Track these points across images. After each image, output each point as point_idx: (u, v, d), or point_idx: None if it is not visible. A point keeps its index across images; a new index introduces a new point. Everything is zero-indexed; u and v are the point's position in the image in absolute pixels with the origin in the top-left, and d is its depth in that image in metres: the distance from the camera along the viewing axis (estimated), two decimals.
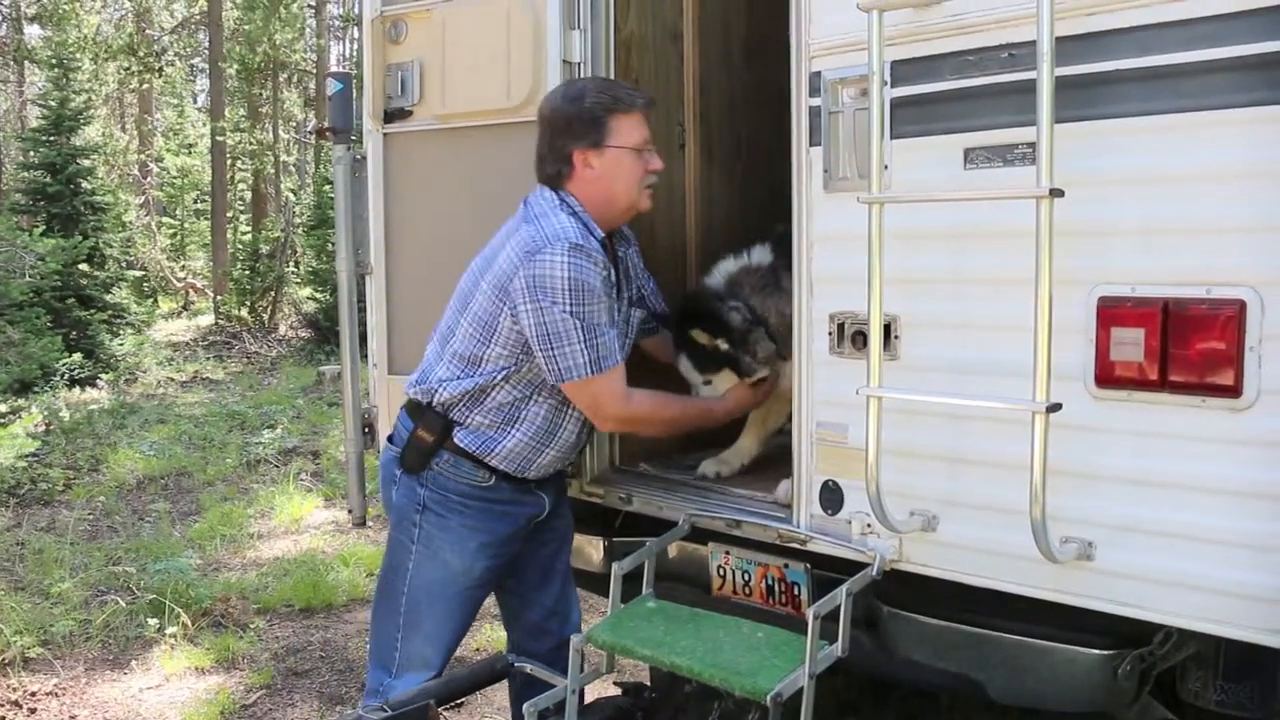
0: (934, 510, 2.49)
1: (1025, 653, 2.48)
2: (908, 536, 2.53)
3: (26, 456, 6.65)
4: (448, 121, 3.29)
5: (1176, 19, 2.08)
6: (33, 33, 22.44)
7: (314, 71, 25.49)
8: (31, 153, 14.79)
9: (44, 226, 11.95)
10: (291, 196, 22.93)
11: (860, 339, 2.56)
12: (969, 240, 2.38)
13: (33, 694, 4.40)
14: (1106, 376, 2.20)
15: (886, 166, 2.38)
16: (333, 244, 14.43)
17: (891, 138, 2.42)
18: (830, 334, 2.62)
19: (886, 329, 2.42)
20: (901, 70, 2.43)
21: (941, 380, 2.43)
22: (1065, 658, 2.44)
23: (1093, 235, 2.19)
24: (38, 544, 6.23)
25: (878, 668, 2.87)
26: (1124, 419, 2.19)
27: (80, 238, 12.54)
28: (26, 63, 21.73)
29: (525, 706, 2.69)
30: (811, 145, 2.62)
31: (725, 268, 3.06)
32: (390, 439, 2.94)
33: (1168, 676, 2.53)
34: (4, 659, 4.57)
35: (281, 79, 24.68)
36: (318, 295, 16.06)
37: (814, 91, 2.61)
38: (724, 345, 2.94)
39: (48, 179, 13.83)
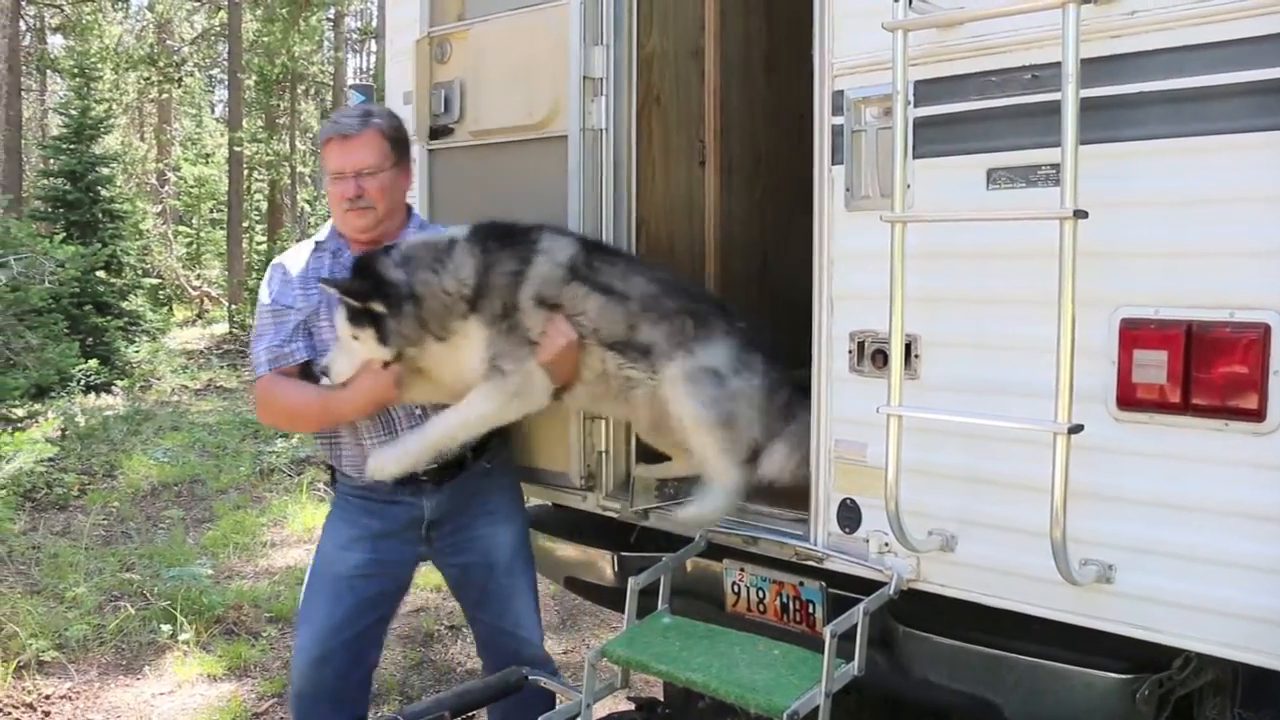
0: (952, 530, 2.48)
1: (1042, 675, 2.47)
2: (925, 556, 2.52)
3: (44, 461, 6.69)
4: (482, 138, 3.32)
5: (1203, 42, 2.07)
6: (55, 42, 22.65)
7: (331, 84, 25.64)
8: (52, 160, 14.91)
9: (64, 234, 12.02)
10: (307, 207, 23.04)
11: (880, 357, 2.56)
12: (990, 260, 2.38)
13: (47, 697, 4.42)
14: (1128, 398, 2.19)
15: (909, 186, 2.39)
16: None
17: (914, 157, 2.43)
18: (850, 352, 2.62)
19: (907, 348, 2.42)
20: (924, 90, 2.44)
21: (961, 400, 2.42)
22: (1083, 681, 2.42)
23: (1116, 257, 2.19)
24: (53, 548, 6.25)
25: (892, 687, 2.86)
26: (1146, 441, 2.18)
27: (99, 245, 12.63)
28: (49, 72, 21.91)
29: None
30: (833, 163, 2.62)
31: (413, 238, 2.96)
32: None
33: (1185, 702, 2.51)
34: (20, 662, 4.59)
35: (299, 90, 24.83)
36: None
37: (836, 110, 2.61)
38: (377, 306, 2.74)
39: (68, 187, 13.95)
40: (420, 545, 3.06)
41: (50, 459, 7.58)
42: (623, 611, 3.02)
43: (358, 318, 2.72)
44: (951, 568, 2.50)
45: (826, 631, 2.47)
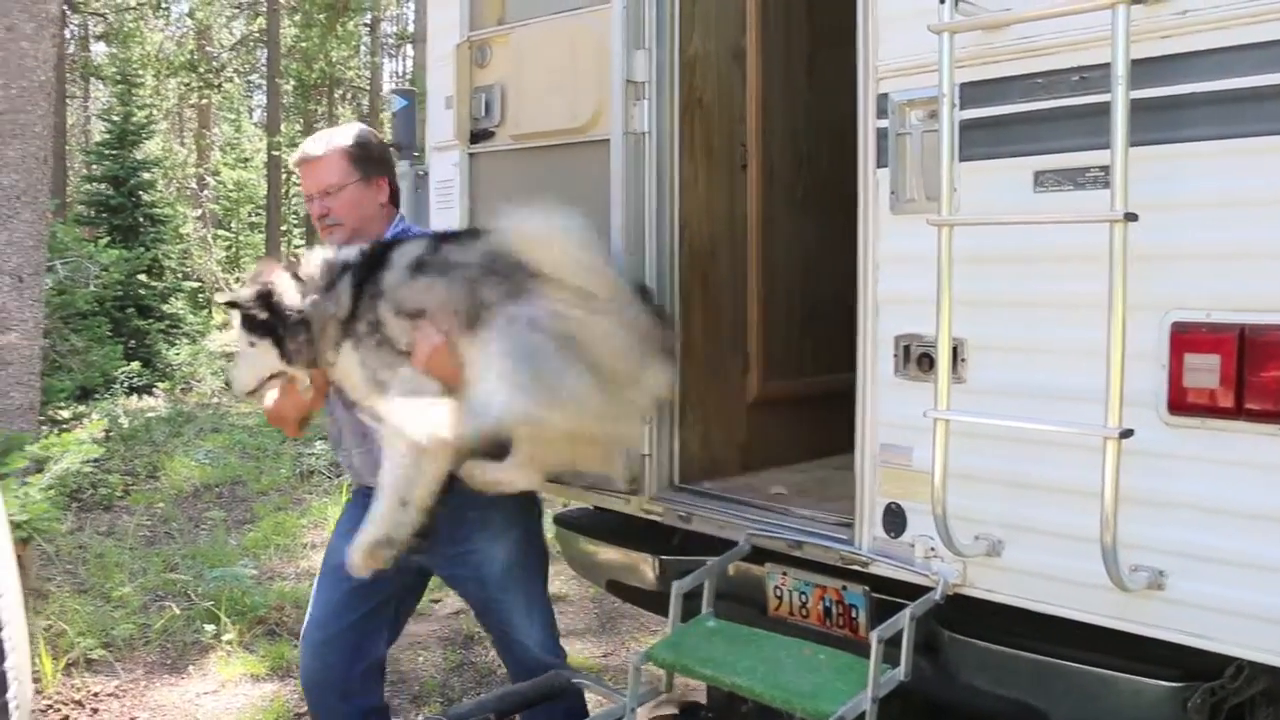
0: (999, 535, 2.47)
1: (1091, 682, 2.45)
2: (972, 561, 2.50)
3: (89, 462, 6.78)
4: (523, 142, 3.33)
5: (1255, 41, 2.05)
6: (98, 50, 22.97)
7: (368, 88, 25.84)
8: (95, 166, 15.12)
9: (107, 238, 12.19)
10: None
11: (926, 361, 2.54)
12: (1038, 264, 2.36)
13: (95, 694, 4.48)
14: (1179, 403, 2.17)
15: (955, 189, 2.37)
16: None
17: (959, 160, 2.41)
18: (895, 356, 2.61)
19: (953, 352, 2.40)
20: (970, 92, 2.42)
21: (1008, 404, 2.41)
22: (1132, 689, 2.40)
23: (1166, 260, 2.17)
24: (99, 548, 6.34)
25: (937, 693, 2.84)
26: (1197, 446, 2.15)
27: (141, 249, 12.80)
28: (92, 79, 22.22)
29: None
30: (878, 167, 2.61)
31: (322, 254, 2.95)
32: None
33: (1237, 712, 2.48)
34: (69, 660, 4.66)
35: (337, 95, 25.03)
36: None
37: (881, 113, 2.60)
38: (263, 317, 2.82)
39: (110, 191, 14.14)
40: (415, 552, 3.02)
41: (95, 460, 7.68)
42: (664, 615, 3.02)
43: (250, 327, 2.84)
44: (998, 573, 2.48)
45: (873, 636, 2.46)
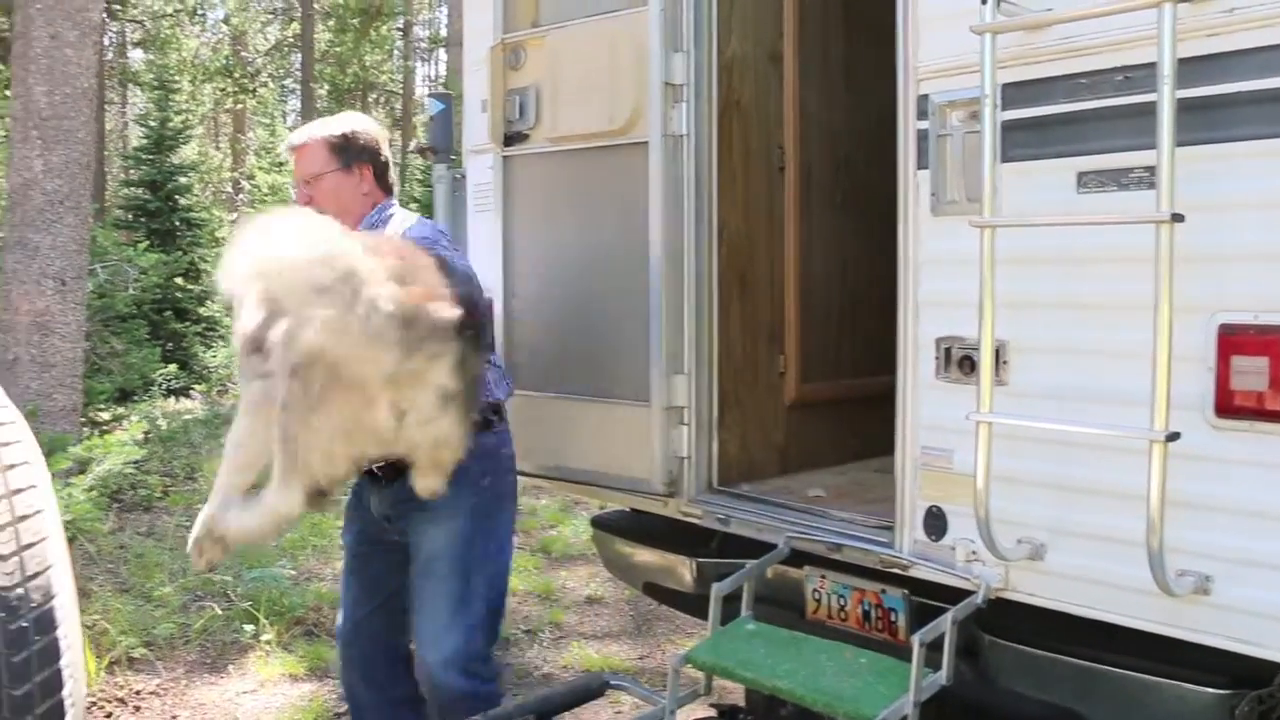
0: (1041, 539, 2.45)
1: (1135, 688, 2.42)
2: (1014, 565, 2.48)
3: (129, 463, 6.87)
4: (560, 144, 3.34)
5: None
6: (136, 56, 23.25)
7: (401, 92, 26.00)
8: (133, 171, 15.30)
9: (145, 242, 12.34)
10: None
11: (967, 364, 2.53)
12: (1081, 265, 2.35)
13: (137, 693, 4.53)
14: (1226, 406, 2.14)
15: (996, 190, 2.36)
16: None
17: (1001, 161, 2.40)
18: (936, 358, 2.59)
19: (995, 354, 2.39)
20: (1011, 93, 2.40)
21: (1050, 407, 2.39)
22: (1177, 695, 2.37)
23: (1213, 261, 2.15)
24: (139, 548, 6.40)
25: (977, 697, 2.82)
26: (1245, 449, 2.13)
27: (179, 253, 12.94)
28: (130, 85, 22.49)
29: None
30: (919, 168, 2.60)
31: None
32: None
33: None
34: (112, 658, 4.71)
35: (370, 99, 25.20)
36: None
37: (921, 114, 2.59)
38: None
39: (148, 196, 14.29)
40: (389, 534, 3.11)
41: (135, 461, 7.78)
42: (701, 618, 3.02)
43: None
44: (1041, 577, 2.46)
45: (915, 640, 2.45)
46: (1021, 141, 2.41)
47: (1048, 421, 2.34)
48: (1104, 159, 2.29)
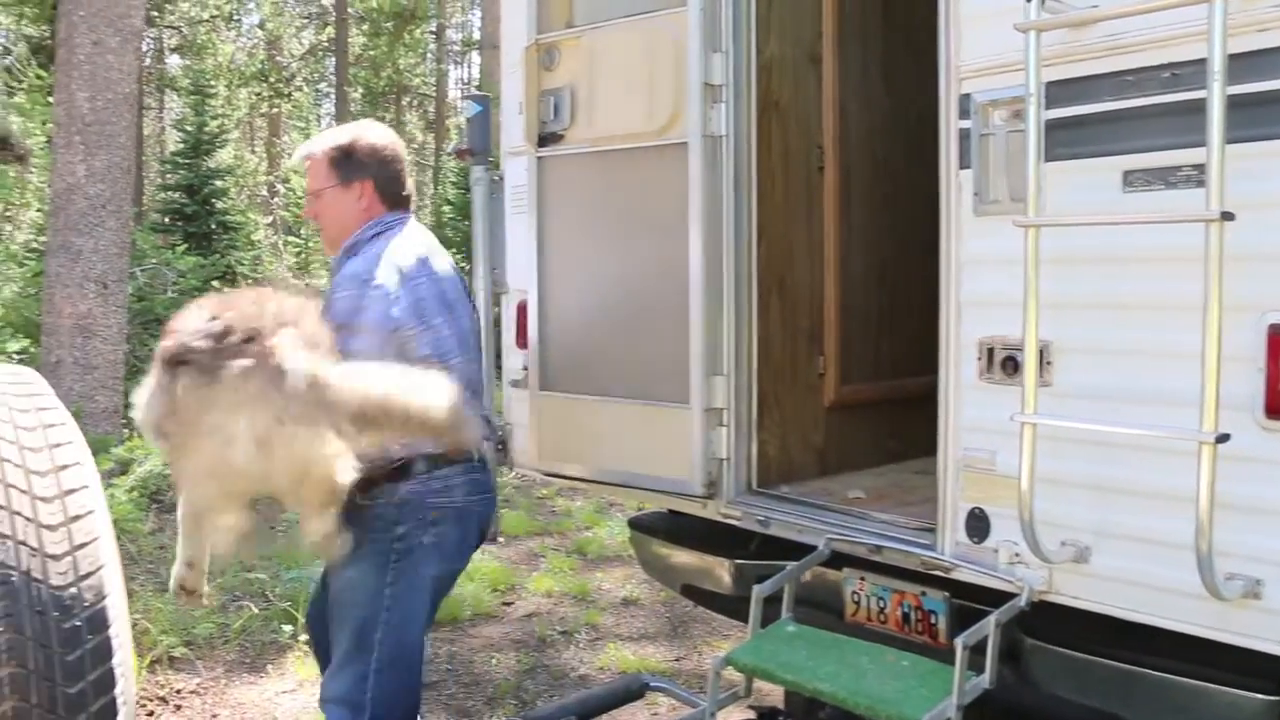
0: (1086, 541, 2.42)
1: (1181, 693, 2.39)
2: (1058, 567, 2.46)
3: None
4: (596, 145, 3.34)
5: None
6: (173, 62, 23.51)
7: (434, 94, 26.13)
8: (170, 175, 15.48)
9: (183, 245, 12.48)
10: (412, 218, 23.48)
11: (1010, 364, 2.51)
12: (1127, 265, 2.32)
13: (178, 691, 4.58)
14: (1277, 407, 2.12)
15: (1040, 190, 2.34)
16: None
17: (1044, 160, 2.38)
18: (979, 359, 2.58)
19: (1039, 355, 2.37)
20: (1055, 91, 2.38)
21: (1095, 408, 2.37)
22: (1225, 700, 2.34)
23: (1264, 260, 2.11)
24: (177, 549, 6.46)
25: (1019, 701, 2.80)
26: None
27: (216, 256, 13.08)
28: (167, 90, 22.74)
29: None
30: (961, 168, 2.58)
31: None
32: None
33: None
34: (153, 657, 4.76)
35: (404, 102, 25.34)
36: None
37: (964, 114, 2.58)
38: None
39: (185, 200, 14.46)
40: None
41: None
42: (739, 620, 3.01)
43: None
44: (1085, 580, 2.44)
45: (958, 643, 2.43)
46: (1065, 140, 2.39)
47: (1093, 423, 2.32)
48: (1151, 157, 2.27)
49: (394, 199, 2.97)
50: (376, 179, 2.94)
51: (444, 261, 2.99)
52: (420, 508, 2.76)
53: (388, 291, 2.72)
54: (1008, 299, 2.39)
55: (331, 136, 3.03)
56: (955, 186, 2.60)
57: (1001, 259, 2.45)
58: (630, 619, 5.44)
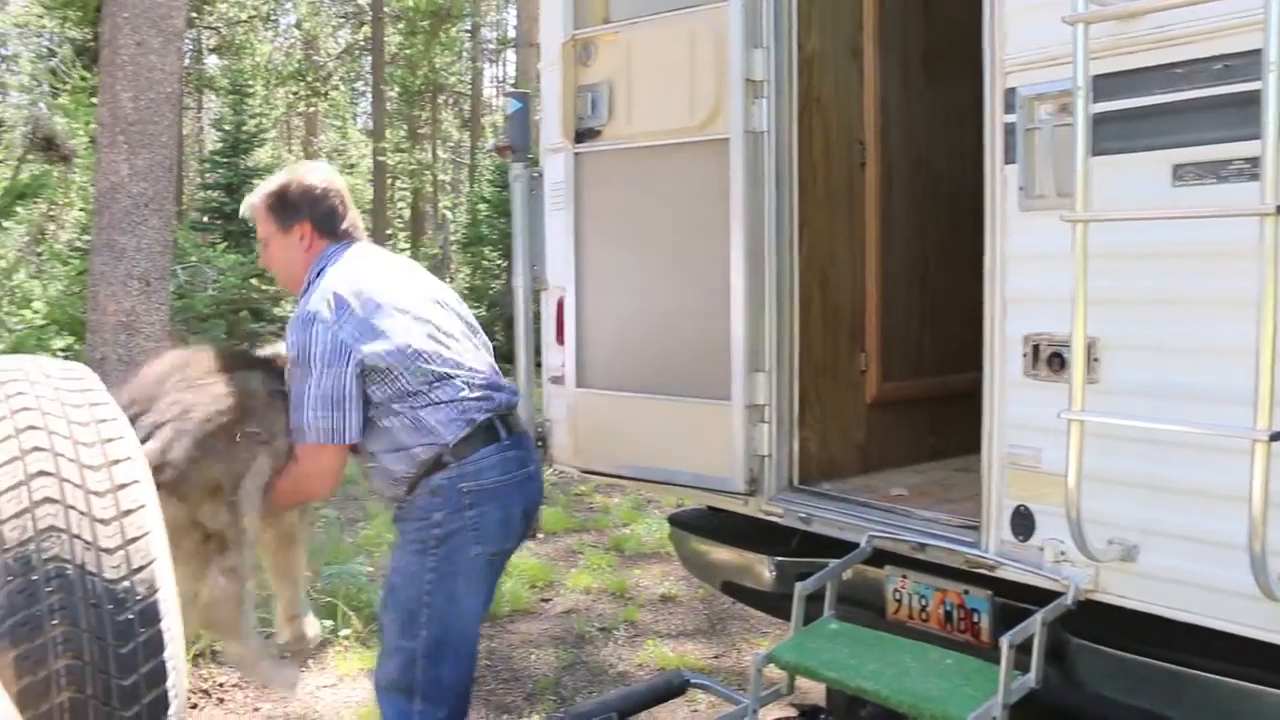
0: (1133, 539, 2.39)
1: (1232, 695, 2.35)
2: (1105, 566, 2.43)
3: None
4: (634, 140, 3.34)
5: None
6: (211, 62, 23.74)
7: (469, 93, 26.23)
8: (209, 174, 15.65)
9: (222, 243, 12.60)
10: (449, 215, 23.61)
11: (1057, 361, 2.49)
12: (1177, 260, 2.29)
13: (221, 685, 4.63)
14: None
15: (1088, 184, 2.31)
16: (487, 261, 14.78)
17: (1092, 154, 2.35)
18: (1024, 355, 2.55)
19: (1086, 351, 2.34)
20: (1103, 85, 2.36)
21: (1143, 405, 2.34)
22: (1275, 702, 2.30)
23: None
24: None
25: (1063, 701, 2.77)
26: None
27: (254, 254, 13.18)
28: (205, 90, 22.98)
29: None
30: (1006, 163, 2.56)
31: None
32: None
33: None
34: (196, 651, 4.81)
35: (439, 100, 25.45)
36: (473, 310, 16.44)
37: (1009, 108, 2.55)
38: None
39: (224, 198, 14.60)
40: None
41: None
42: (779, 616, 3.00)
43: None
44: (1133, 579, 2.41)
45: (1004, 642, 2.41)
46: (1113, 134, 2.36)
47: (1143, 420, 2.29)
48: (1201, 151, 2.23)
49: (333, 234, 2.98)
50: (312, 218, 2.97)
51: (394, 269, 3.03)
52: (454, 493, 2.80)
53: (327, 323, 2.75)
54: (1054, 295, 2.37)
55: (268, 185, 3.05)
56: (1000, 181, 2.58)
57: (1047, 254, 2.43)
58: (668, 616, 5.44)
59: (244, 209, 3.07)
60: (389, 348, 2.77)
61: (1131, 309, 2.37)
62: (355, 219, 3.06)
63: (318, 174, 3.05)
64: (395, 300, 2.86)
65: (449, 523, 2.81)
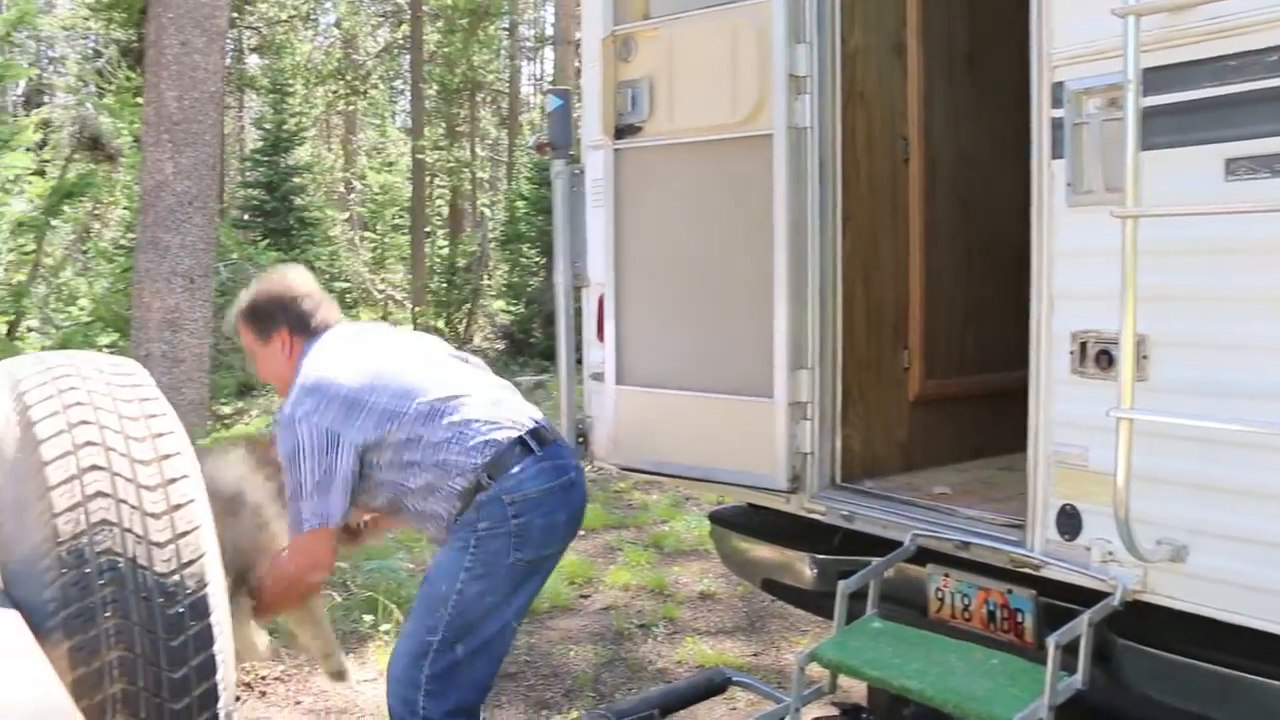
0: (1183, 540, 2.36)
1: None
2: (1154, 566, 2.40)
3: None
4: (675, 136, 3.33)
5: None
6: (252, 62, 23.96)
7: (507, 91, 26.31)
8: (250, 172, 15.80)
9: (264, 241, 12.73)
10: (487, 212, 23.70)
11: (1105, 358, 2.46)
12: (1229, 256, 2.26)
13: (263, 678, 4.67)
14: None
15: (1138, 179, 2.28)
16: (525, 258, 14.82)
17: (1141, 149, 2.32)
18: (1071, 353, 2.52)
19: (1135, 348, 2.31)
20: (1153, 78, 2.32)
21: (1194, 403, 2.30)
22: None
23: None
24: None
25: (1107, 702, 2.74)
26: None
27: (295, 251, 13.32)
28: (246, 89, 23.20)
29: None
30: (1053, 158, 2.53)
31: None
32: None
33: None
34: None
35: (478, 98, 25.54)
36: (511, 308, 16.54)
37: (1056, 102, 2.52)
38: None
39: (265, 196, 14.76)
40: None
41: None
42: (820, 615, 2.98)
43: None
44: (1183, 579, 2.37)
45: (1050, 642, 2.38)
46: (1164, 128, 2.33)
47: (1194, 418, 2.26)
48: (1255, 144, 2.19)
49: (308, 332, 3.03)
50: (289, 324, 3.02)
51: (365, 335, 3.11)
52: (498, 505, 2.81)
53: (308, 413, 2.79)
54: (1102, 291, 2.34)
55: (241, 300, 3.11)
56: (1047, 177, 2.55)
57: (1095, 250, 2.40)
58: (707, 613, 5.43)
59: (227, 328, 3.16)
60: (377, 411, 2.81)
61: (1182, 305, 2.33)
62: (327, 310, 3.10)
63: (283, 281, 3.12)
64: (370, 362, 2.91)
65: (493, 530, 2.83)
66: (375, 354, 2.97)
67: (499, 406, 2.92)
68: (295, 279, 3.12)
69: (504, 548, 2.82)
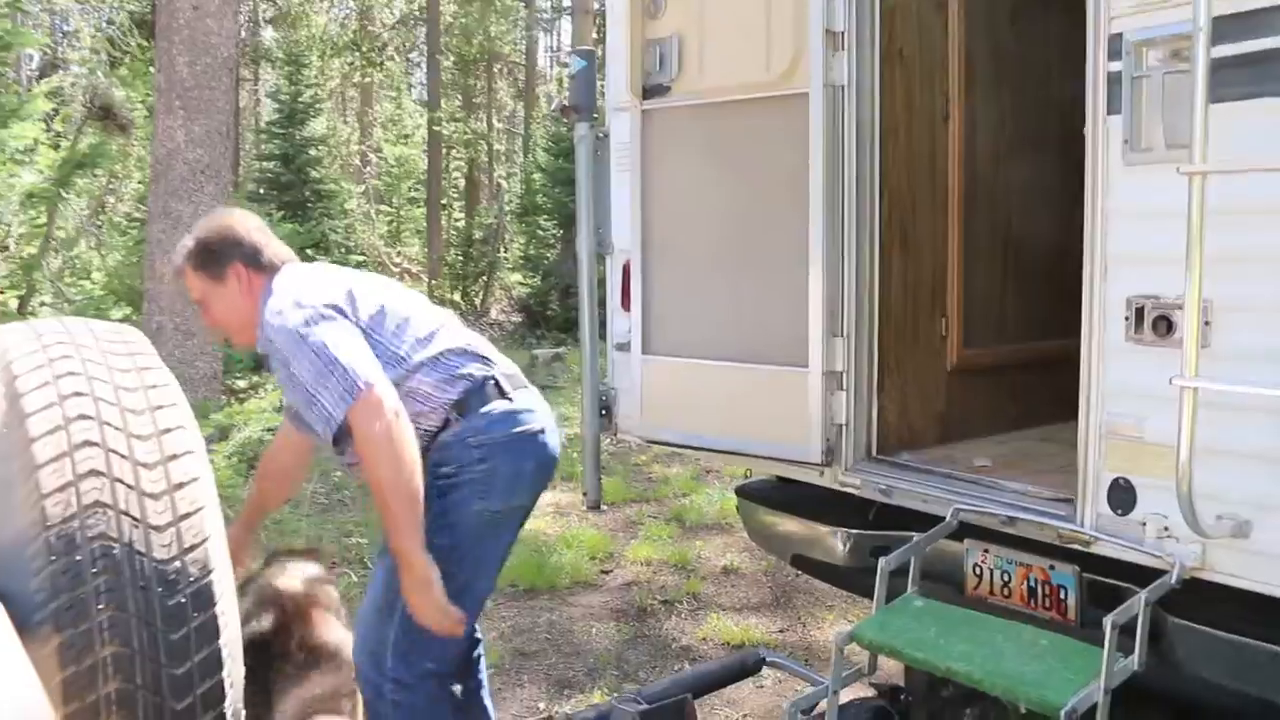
0: (1246, 515, 2.24)
1: None
2: (1214, 543, 2.28)
3: (270, 430, 7.01)
4: (705, 96, 3.21)
5: None
6: (267, 34, 23.81)
7: (524, 63, 26.12)
8: (265, 145, 15.68)
9: (279, 213, 12.63)
10: (504, 184, 23.58)
11: (1163, 324, 2.33)
12: None
13: None
14: None
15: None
16: (542, 230, 14.70)
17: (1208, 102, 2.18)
18: (1126, 319, 2.40)
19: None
20: (1222, 27, 2.18)
21: (1261, 370, 2.18)
22: None
23: None
24: (277, 514, 6.51)
25: (1161, 684, 2.63)
26: None
27: (312, 224, 13.21)
28: (262, 62, 23.08)
29: (786, 705, 2.58)
30: (1109, 114, 2.40)
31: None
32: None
33: None
34: None
35: (495, 70, 25.37)
36: (528, 280, 16.42)
37: (1113, 55, 2.39)
38: None
39: (280, 169, 14.63)
40: None
41: (272, 428, 7.92)
42: (853, 591, 2.87)
43: None
44: (1245, 556, 2.26)
45: (1107, 622, 2.27)
46: (1231, 80, 2.19)
47: (1263, 386, 2.13)
48: None
49: (264, 267, 2.86)
50: (243, 259, 2.85)
51: (320, 268, 2.99)
52: (462, 446, 2.71)
53: (301, 304, 2.65)
54: (1161, 254, 2.23)
55: (183, 248, 2.92)
56: (1103, 134, 2.42)
57: (1154, 211, 2.28)
58: (731, 588, 5.33)
59: (171, 278, 2.97)
60: (366, 309, 2.71)
61: (1249, 268, 2.21)
62: (278, 246, 2.94)
63: (228, 217, 2.97)
64: (353, 284, 2.79)
65: (457, 475, 2.70)
66: (348, 278, 2.85)
67: (475, 345, 2.83)
68: (240, 216, 2.98)
69: (467, 497, 2.70)
